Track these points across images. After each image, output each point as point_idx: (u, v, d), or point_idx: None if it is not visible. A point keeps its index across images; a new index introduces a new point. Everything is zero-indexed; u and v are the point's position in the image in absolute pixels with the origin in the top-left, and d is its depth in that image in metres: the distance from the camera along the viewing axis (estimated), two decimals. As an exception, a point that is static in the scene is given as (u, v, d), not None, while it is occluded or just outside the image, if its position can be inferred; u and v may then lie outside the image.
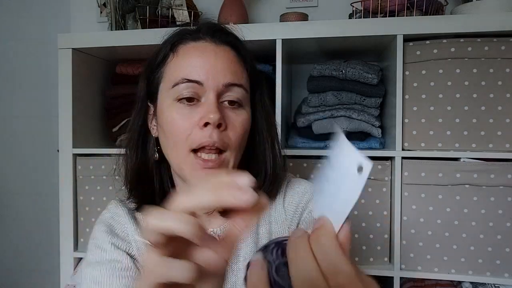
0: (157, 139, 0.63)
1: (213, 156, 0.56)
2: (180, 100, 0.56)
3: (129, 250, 0.61)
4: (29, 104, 1.38)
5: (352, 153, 0.30)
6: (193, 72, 0.56)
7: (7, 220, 1.29)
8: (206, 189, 0.31)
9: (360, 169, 0.30)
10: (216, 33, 0.60)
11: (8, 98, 1.30)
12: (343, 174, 0.31)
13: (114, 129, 1.25)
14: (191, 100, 0.56)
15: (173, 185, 0.65)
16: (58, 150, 1.15)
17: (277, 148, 0.66)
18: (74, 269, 1.16)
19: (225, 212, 0.64)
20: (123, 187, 0.65)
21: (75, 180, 1.16)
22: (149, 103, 0.63)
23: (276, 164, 0.64)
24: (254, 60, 0.65)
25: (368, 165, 0.29)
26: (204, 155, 0.56)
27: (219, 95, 0.57)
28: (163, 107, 0.58)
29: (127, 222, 0.63)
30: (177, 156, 0.57)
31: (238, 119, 0.58)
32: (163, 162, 0.64)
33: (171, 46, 0.60)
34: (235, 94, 0.58)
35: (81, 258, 1.19)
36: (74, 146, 1.14)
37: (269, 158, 0.64)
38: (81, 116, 1.18)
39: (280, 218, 0.65)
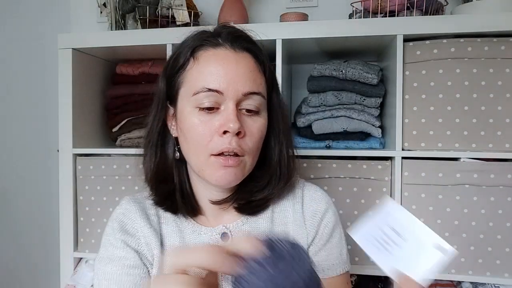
0: (176, 138, 0.64)
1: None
2: (200, 109, 0.58)
3: (138, 246, 0.63)
4: (29, 104, 1.38)
5: (435, 238, 0.39)
6: (214, 81, 0.57)
7: (7, 220, 1.29)
8: (205, 251, 0.36)
9: (442, 250, 0.38)
10: (236, 39, 0.60)
11: (8, 98, 1.30)
12: (422, 249, 0.38)
13: (114, 129, 1.25)
14: (211, 109, 0.58)
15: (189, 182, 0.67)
16: (58, 150, 1.15)
17: (292, 150, 0.68)
18: (74, 269, 1.17)
19: (240, 209, 0.65)
20: (145, 186, 0.67)
21: (75, 180, 1.16)
22: (168, 104, 0.64)
23: (290, 165, 0.66)
24: (270, 62, 0.65)
25: (452, 252, 0.38)
26: (223, 157, 0.58)
27: (238, 103, 0.58)
28: (184, 113, 0.59)
29: (138, 218, 0.65)
30: (198, 159, 0.60)
31: (255, 126, 0.60)
32: (181, 160, 0.65)
33: (191, 51, 0.60)
34: (253, 102, 0.59)
35: (81, 258, 1.19)
36: (74, 146, 1.14)
37: (284, 159, 0.66)
38: (81, 116, 1.18)
39: (299, 222, 0.67)
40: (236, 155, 0.58)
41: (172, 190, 0.65)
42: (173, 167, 0.65)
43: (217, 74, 0.57)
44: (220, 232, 0.64)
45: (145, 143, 0.66)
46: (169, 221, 0.66)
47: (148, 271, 0.63)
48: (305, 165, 1.07)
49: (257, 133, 0.60)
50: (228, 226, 0.65)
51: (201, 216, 0.67)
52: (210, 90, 0.56)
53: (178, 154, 0.64)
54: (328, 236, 0.68)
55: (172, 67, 0.62)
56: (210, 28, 0.64)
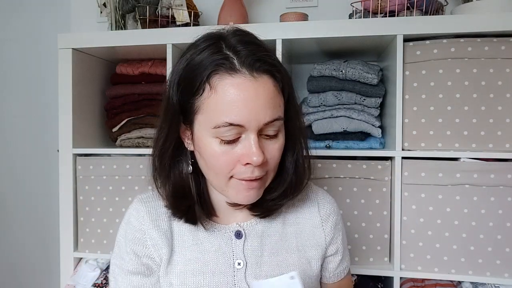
0: (192, 151, 0.63)
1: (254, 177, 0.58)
2: (222, 140, 0.56)
3: (145, 250, 0.64)
4: (29, 104, 1.38)
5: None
6: (235, 116, 0.54)
7: (7, 220, 1.29)
8: None
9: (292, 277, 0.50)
10: (254, 63, 0.55)
11: (8, 98, 1.30)
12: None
13: (114, 129, 1.25)
14: (232, 140, 0.56)
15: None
16: (58, 150, 1.15)
17: (308, 153, 0.67)
18: (74, 269, 1.16)
19: (253, 209, 0.65)
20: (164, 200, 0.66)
21: (75, 180, 1.16)
22: (183, 123, 0.61)
23: (305, 170, 0.66)
24: (288, 74, 0.63)
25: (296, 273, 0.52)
26: (245, 181, 0.58)
27: (259, 132, 0.56)
28: (203, 140, 0.57)
29: (146, 219, 0.65)
30: (219, 182, 0.59)
31: (276, 147, 0.59)
32: (198, 172, 0.64)
33: (207, 76, 0.55)
34: (274, 127, 0.57)
35: (81, 258, 1.19)
36: (74, 146, 1.14)
37: (300, 165, 0.65)
38: (81, 116, 1.18)
39: (316, 223, 0.69)
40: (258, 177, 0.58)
41: (192, 204, 0.64)
42: (189, 180, 0.63)
43: (237, 108, 0.54)
44: (234, 230, 0.65)
45: (159, 157, 0.63)
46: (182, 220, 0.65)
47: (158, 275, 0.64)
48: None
49: (278, 153, 0.60)
50: (242, 225, 0.66)
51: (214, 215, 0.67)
52: (231, 124, 0.54)
53: (191, 168, 0.62)
54: (342, 237, 0.72)
55: (187, 88, 0.57)
56: (224, 29, 0.59)
